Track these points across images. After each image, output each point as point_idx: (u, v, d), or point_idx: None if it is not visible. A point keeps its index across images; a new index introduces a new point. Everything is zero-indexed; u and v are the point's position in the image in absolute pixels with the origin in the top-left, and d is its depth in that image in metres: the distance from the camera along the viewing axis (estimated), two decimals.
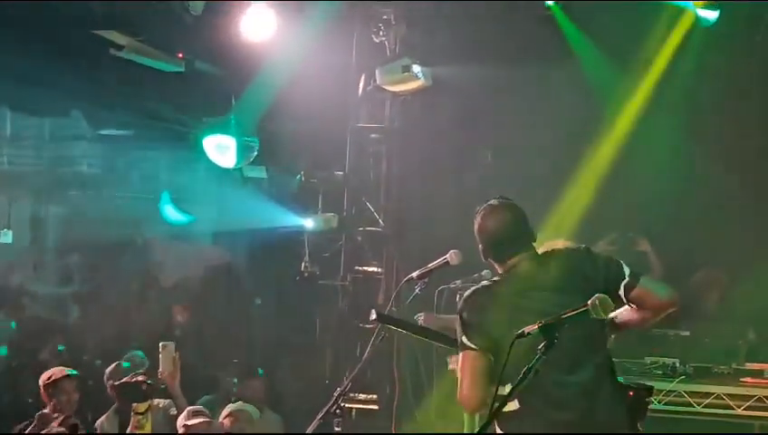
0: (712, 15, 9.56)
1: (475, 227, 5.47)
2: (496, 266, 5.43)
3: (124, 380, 6.67)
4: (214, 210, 12.91)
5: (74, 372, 8.44)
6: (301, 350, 11.13)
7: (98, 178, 14.32)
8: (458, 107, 10.29)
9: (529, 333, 4.14)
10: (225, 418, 8.88)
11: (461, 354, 5.14)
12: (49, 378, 8.26)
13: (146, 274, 13.59)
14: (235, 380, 10.98)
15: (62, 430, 6.80)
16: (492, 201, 5.49)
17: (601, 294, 4.18)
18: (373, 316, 5.95)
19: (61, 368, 8.54)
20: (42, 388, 8.25)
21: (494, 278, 5.42)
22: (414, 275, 6.23)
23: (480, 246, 5.44)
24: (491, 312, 5.14)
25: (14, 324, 13.10)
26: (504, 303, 5.14)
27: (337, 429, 6.40)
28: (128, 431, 6.51)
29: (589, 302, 4.15)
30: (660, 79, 10.06)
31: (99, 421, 8.54)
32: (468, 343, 5.11)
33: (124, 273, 13.65)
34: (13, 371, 12.14)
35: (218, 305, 12.63)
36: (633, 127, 10.23)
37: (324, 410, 6.18)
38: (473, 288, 5.39)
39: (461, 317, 5.23)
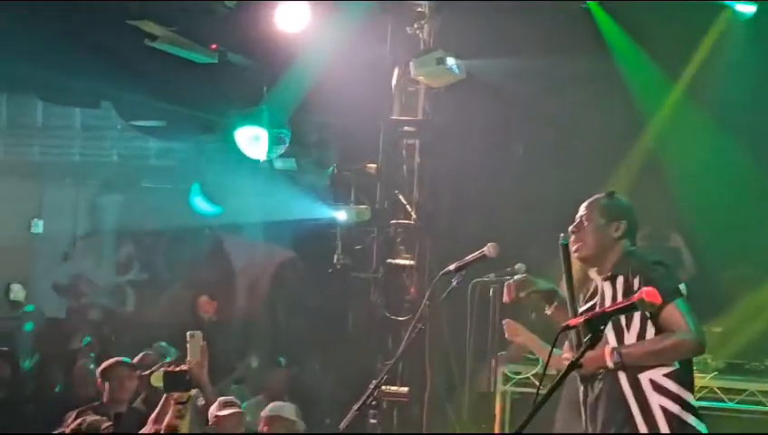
0: (749, 10, 9.52)
1: (615, 202, 5.68)
2: (627, 245, 5.56)
3: (168, 369, 6.64)
4: (244, 202, 12.90)
5: (128, 360, 8.45)
6: (333, 342, 11.14)
7: (129, 169, 14.35)
8: (491, 100, 10.24)
9: (574, 326, 4.12)
10: (263, 424, 8.81)
11: (678, 303, 5.27)
12: (104, 366, 8.30)
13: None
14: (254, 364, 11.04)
15: (98, 417, 6.82)
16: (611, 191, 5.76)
17: (648, 288, 4.15)
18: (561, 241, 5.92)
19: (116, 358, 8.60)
20: (98, 377, 8.27)
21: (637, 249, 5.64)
22: (451, 267, 6.18)
23: (624, 223, 5.58)
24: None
25: (31, 308, 13.17)
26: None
27: (372, 421, 6.40)
28: (166, 421, 6.49)
29: (635, 296, 4.11)
30: (697, 74, 10.01)
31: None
32: (684, 291, 5.35)
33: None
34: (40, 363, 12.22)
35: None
36: (668, 122, 10.19)
37: (360, 401, 6.18)
38: (651, 252, 5.68)
39: (672, 268, 5.43)
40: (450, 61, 9.47)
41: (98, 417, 6.85)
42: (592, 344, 4.02)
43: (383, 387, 7.71)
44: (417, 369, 9.48)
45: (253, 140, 10.97)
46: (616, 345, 5.36)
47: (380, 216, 10.16)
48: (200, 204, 13.32)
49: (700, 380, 8.62)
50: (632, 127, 10.20)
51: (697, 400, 8.27)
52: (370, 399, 6.21)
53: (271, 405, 8.96)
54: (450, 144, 10.36)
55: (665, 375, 5.39)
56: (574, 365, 4.03)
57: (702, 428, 5.47)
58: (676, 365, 5.35)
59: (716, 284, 10.04)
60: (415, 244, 10.05)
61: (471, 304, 8.09)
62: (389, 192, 10.19)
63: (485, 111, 10.34)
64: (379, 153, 10.20)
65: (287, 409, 8.87)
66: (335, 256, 10.29)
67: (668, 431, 5.32)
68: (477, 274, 7.91)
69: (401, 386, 9.53)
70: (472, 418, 9.28)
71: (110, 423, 6.60)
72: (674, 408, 5.36)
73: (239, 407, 7.99)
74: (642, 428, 5.34)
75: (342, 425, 6.15)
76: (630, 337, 5.39)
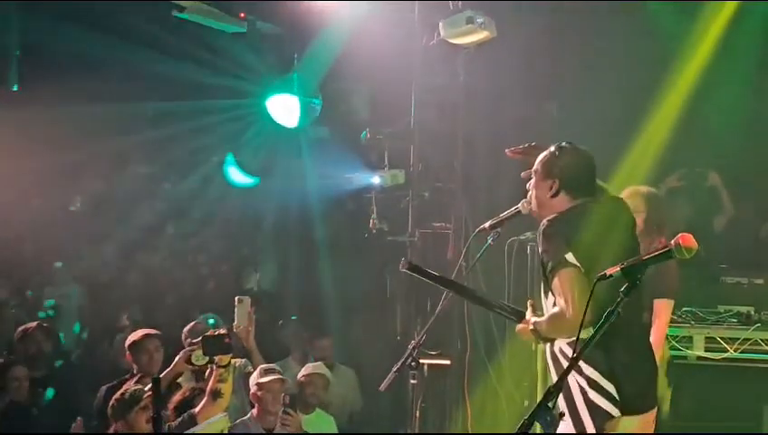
0: None
1: (553, 160, 5.47)
2: (565, 202, 5.37)
3: (207, 333, 6.65)
4: (278, 171, 12.89)
5: (155, 332, 8.44)
6: (371, 306, 11.13)
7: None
8: (523, 59, 10.14)
9: (611, 275, 4.04)
10: (301, 377, 8.90)
11: (564, 273, 5.02)
12: (131, 339, 8.28)
13: None
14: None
15: (139, 386, 6.82)
16: (563, 143, 5.49)
17: (686, 233, 4.05)
18: (404, 266, 5.94)
19: (142, 329, 8.56)
20: (126, 351, 8.25)
21: (563, 211, 5.34)
22: (486, 225, 6.16)
23: (554, 179, 5.40)
24: (582, 235, 5.11)
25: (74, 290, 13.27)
26: (585, 232, 5.12)
27: (412, 381, 6.41)
28: (209, 385, 6.51)
29: (672, 242, 4.02)
30: (727, 27, 9.88)
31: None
32: (573, 261, 5.03)
33: None
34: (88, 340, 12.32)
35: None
36: (699, 77, 10.06)
37: (400, 362, 6.18)
38: (555, 214, 5.30)
39: (559, 236, 5.13)
40: (480, 19, 9.35)
41: (139, 386, 6.86)
42: (628, 293, 3.96)
43: (423, 360, 7.65)
44: (457, 332, 9.43)
45: (285, 109, 10.98)
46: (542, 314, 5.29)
47: (415, 179, 10.10)
48: (234, 175, 13.31)
49: (743, 332, 8.56)
50: (665, 81, 10.07)
51: (741, 352, 8.38)
52: (410, 360, 6.22)
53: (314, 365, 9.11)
54: (483, 104, 10.26)
55: (568, 344, 5.18)
56: (610, 316, 3.95)
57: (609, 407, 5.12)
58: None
59: (758, 234, 9.96)
60: (450, 206, 9.99)
61: (508, 262, 8.04)
62: (423, 155, 10.12)
63: (517, 71, 10.23)
64: (412, 116, 10.12)
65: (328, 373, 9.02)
66: (371, 221, 10.25)
67: (581, 407, 5.08)
68: (514, 232, 7.87)
69: (440, 349, 9.46)
70: (513, 378, 9.25)
71: (150, 392, 6.58)
72: (581, 381, 5.12)
73: (280, 373, 8.02)
74: (561, 403, 5.00)
75: (383, 386, 6.17)
76: (548, 303, 5.27)
